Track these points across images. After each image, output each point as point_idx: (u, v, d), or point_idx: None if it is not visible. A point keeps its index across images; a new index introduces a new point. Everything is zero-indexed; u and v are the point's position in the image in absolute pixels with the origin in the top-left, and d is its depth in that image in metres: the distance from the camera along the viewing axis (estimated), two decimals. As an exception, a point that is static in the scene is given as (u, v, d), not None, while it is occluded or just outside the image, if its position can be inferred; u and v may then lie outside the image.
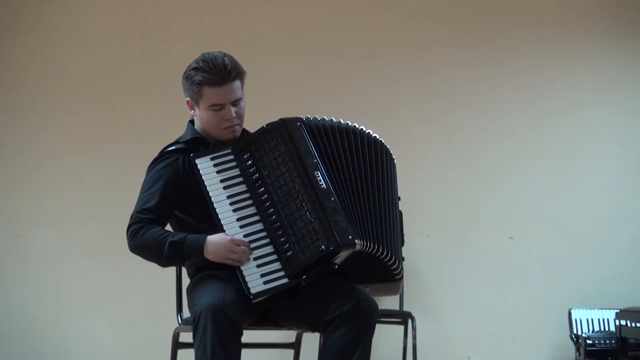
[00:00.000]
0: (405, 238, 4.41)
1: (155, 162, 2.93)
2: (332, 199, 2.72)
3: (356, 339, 2.68)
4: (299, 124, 2.85)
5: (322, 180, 2.75)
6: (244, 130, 3.03)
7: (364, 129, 2.93)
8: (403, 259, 2.89)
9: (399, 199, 2.97)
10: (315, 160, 2.78)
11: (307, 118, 2.89)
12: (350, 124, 2.92)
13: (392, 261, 2.78)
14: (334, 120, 2.91)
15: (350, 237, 2.67)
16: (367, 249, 2.72)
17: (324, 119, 2.91)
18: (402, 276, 2.86)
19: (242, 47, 4.94)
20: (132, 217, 2.85)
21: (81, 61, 4.98)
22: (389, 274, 2.84)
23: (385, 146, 2.97)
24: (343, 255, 2.73)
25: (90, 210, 4.83)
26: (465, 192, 4.90)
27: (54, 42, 5.01)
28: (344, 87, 4.94)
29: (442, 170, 4.91)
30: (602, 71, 4.99)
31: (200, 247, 2.76)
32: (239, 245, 2.72)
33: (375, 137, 2.95)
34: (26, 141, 4.95)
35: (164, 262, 2.82)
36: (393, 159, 2.99)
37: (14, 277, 4.87)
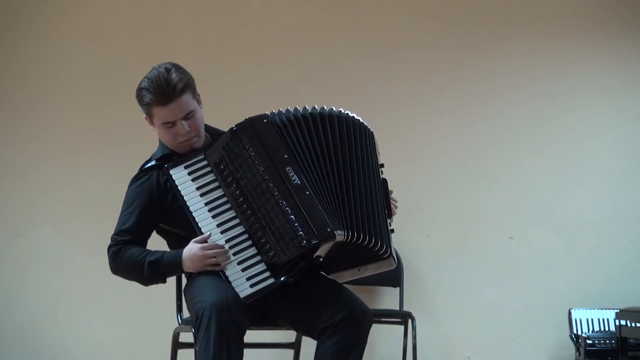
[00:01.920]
0: (405, 238, 4.42)
1: (133, 180, 2.96)
2: (307, 192, 2.72)
3: (347, 348, 2.68)
4: (265, 120, 2.84)
5: (295, 175, 2.74)
6: (217, 132, 3.02)
7: (333, 110, 2.91)
8: (392, 230, 2.87)
9: (382, 165, 2.95)
10: (286, 156, 2.77)
11: (273, 113, 2.87)
12: (316, 108, 2.89)
13: (373, 244, 2.76)
14: (299, 109, 2.89)
15: (329, 229, 2.67)
16: (347, 238, 2.72)
17: (288, 110, 2.88)
18: (390, 253, 2.81)
19: (242, 47, 4.97)
20: (111, 239, 2.91)
21: (81, 61, 4.98)
22: (376, 255, 2.82)
23: (357, 120, 2.94)
24: (325, 247, 2.73)
25: (90, 210, 4.83)
26: (465, 192, 4.90)
27: (53, 42, 5.01)
28: (342, 87, 4.93)
29: (442, 170, 4.91)
30: (603, 71, 4.99)
31: (178, 264, 2.81)
32: (211, 250, 2.73)
33: (347, 114, 2.92)
34: (26, 141, 4.95)
35: (146, 283, 2.87)
36: (368, 131, 2.96)
37: (14, 277, 4.87)
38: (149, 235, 2.95)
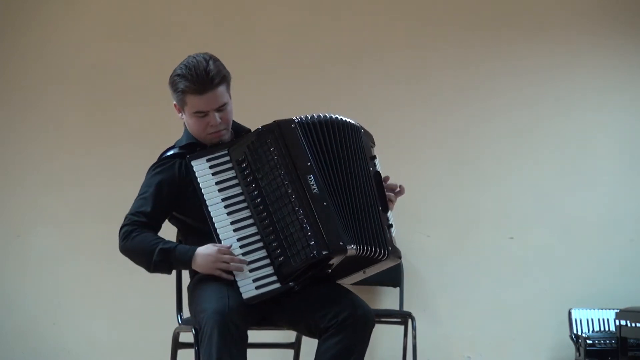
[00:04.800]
0: (405, 238, 4.41)
1: (153, 166, 2.95)
2: (325, 203, 2.71)
3: (349, 348, 2.68)
4: (293, 125, 2.82)
5: (315, 184, 2.73)
6: (241, 128, 3.03)
7: (346, 119, 2.88)
8: (391, 225, 2.85)
9: (374, 157, 2.92)
10: (309, 164, 2.76)
11: (300, 118, 2.85)
12: (339, 117, 2.87)
13: (380, 254, 2.76)
14: (327, 115, 2.86)
15: (342, 243, 2.67)
16: (360, 252, 2.72)
17: (319, 115, 2.86)
18: (389, 254, 2.78)
19: (242, 48, 4.97)
20: (125, 218, 2.88)
21: (81, 61, 4.98)
22: (380, 260, 2.82)
23: (354, 125, 2.90)
24: (336, 260, 2.73)
25: (90, 210, 4.83)
26: (465, 192, 4.90)
27: (54, 41, 5.01)
28: (342, 88, 4.93)
29: (442, 170, 4.91)
30: (603, 71, 4.99)
31: (189, 259, 2.79)
32: (227, 254, 2.72)
33: (351, 122, 2.90)
34: (26, 141, 4.95)
35: (151, 268, 2.84)
36: (359, 130, 2.91)
37: (14, 277, 4.87)
38: (163, 221, 2.94)
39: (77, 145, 4.93)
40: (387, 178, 2.96)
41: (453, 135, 4.95)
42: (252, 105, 4.53)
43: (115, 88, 4.93)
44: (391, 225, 2.86)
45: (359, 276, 2.91)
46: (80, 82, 4.97)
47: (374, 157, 2.94)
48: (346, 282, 2.94)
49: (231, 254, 2.73)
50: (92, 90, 4.95)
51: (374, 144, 3.00)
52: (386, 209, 2.87)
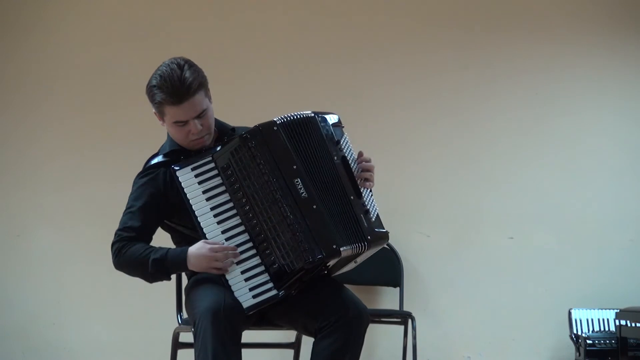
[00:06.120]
0: (405, 238, 4.41)
1: (139, 176, 2.93)
2: (314, 207, 2.70)
3: (343, 348, 2.68)
4: (275, 128, 2.77)
5: (303, 188, 2.71)
6: (224, 126, 2.98)
7: (306, 114, 2.82)
8: (367, 211, 2.78)
9: (338, 142, 2.83)
10: (295, 167, 2.73)
11: (281, 120, 2.79)
12: (307, 113, 2.82)
13: (364, 249, 2.74)
14: (303, 113, 2.81)
15: (335, 246, 2.66)
16: (353, 252, 2.73)
17: (293, 115, 2.81)
18: (367, 247, 2.75)
19: (241, 49, 4.97)
20: (115, 234, 2.87)
21: (82, 61, 4.98)
22: (363, 253, 2.80)
23: (317, 116, 2.83)
24: (331, 263, 2.74)
25: (90, 210, 4.83)
26: (465, 192, 4.90)
27: (54, 42, 5.01)
28: (342, 89, 4.93)
29: (443, 170, 4.91)
30: (603, 72, 4.99)
31: (182, 261, 2.77)
32: (219, 252, 2.70)
33: (311, 114, 2.83)
34: (26, 141, 4.95)
35: (150, 279, 2.83)
36: (317, 123, 2.83)
37: (14, 277, 4.87)
38: (153, 232, 2.92)
39: (78, 145, 4.93)
40: (360, 154, 2.90)
41: (453, 135, 4.94)
42: (251, 105, 4.55)
43: (115, 88, 4.93)
44: (367, 211, 2.79)
45: (351, 266, 2.91)
46: (81, 83, 4.97)
47: (339, 142, 2.84)
48: (340, 272, 2.93)
49: (223, 249, 2.70)
50: (93, 90, 4.95)
51: (339, 123, 2.90)
52: (359, 194, 2.81)
